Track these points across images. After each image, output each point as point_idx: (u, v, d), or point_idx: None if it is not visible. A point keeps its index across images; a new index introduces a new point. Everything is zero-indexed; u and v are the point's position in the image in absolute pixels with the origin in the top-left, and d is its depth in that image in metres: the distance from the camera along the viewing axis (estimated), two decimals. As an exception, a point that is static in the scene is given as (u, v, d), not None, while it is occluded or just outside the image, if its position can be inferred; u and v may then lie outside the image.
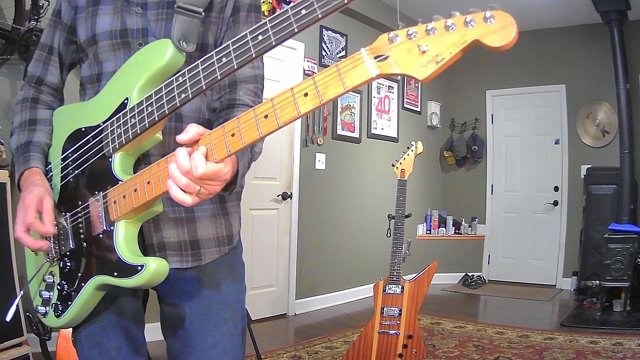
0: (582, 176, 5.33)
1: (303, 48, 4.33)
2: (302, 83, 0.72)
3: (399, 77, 5.45)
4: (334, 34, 4.67)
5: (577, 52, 5.50)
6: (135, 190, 0.88)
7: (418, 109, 5.93)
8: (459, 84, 6.25)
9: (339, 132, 4.72)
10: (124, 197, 0.90)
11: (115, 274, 0.90)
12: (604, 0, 4.68)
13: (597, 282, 4.40)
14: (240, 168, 0.91)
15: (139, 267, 0.87)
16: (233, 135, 0.78)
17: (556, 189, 5.64)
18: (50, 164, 1.06)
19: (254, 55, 0.76)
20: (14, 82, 2.76)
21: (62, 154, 1.04)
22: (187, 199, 0.81)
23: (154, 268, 0.87)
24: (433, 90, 6.16)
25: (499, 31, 0.62)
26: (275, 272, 4.17)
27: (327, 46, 4.60)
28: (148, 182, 0.87)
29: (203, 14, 1.01)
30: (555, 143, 5.66)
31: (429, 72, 0.65)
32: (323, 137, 4.53)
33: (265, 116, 0.75)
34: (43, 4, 2.70)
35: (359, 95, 4.95)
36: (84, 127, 1.01)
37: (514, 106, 5.97)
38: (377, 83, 5.24)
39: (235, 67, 0.78)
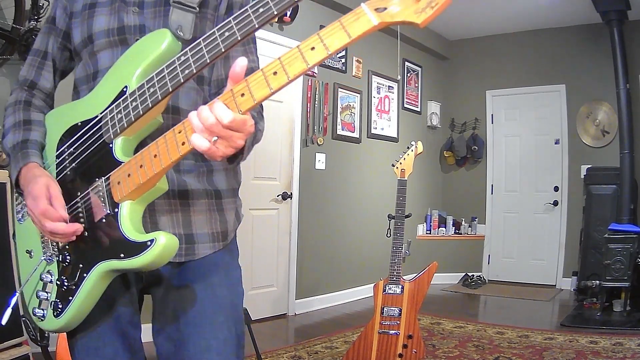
0: (582, 176, 5.33)
1: (303, 48, 4.32)
2: (307, 40, 0.76)
3: (399, 77, 5.47)
4: (334, 34, 4.66)
5: (577, 52, 5.50)
6: (141, 166, 0.88)
7: (418, 109, 5.93)
8: (459, 84, 6.25)
9: (339, 132, 4.72)
10: (129, 175, 0.89)
11: (122, 255, 0.89)
12: (604, 0, 4.68)
13: (597, 282, 4.39)
14: (248, 140, 0.91)
15: (149, 242, 0.85)
16: (243, 95, 0.79)
17: (556, 189, 5.64)
18: (45, 162, 1.05)
19: (256, 26, 0.79)
20: (14, 82, 2.76)
21: (57, 151, 1.03)
22: (215, 150, 0.81)
23: (164, 243, 0.85)
24: (433, 90, 6.16)
25: None
26: (275, 272, 4.17)
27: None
28: (155, 156, 0.86)
29: (197, 9, 1.02)
30: (555, 143, 5.66)
31: (426, 16, 0.70)
32: (323, 137, 4.53)
33: (275, 73, 0.77)
34: (43, 4, 2.70)
35: (359, 95, 4.95)
36: (80, 122, 1.00)
37: (514, 106, 5.96)
38: (377, 83, 5.24)
39: (239, 38, 0.80)
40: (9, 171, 1.07)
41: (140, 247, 0.86)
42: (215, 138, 0.80)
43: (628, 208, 4.65)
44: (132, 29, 1.03)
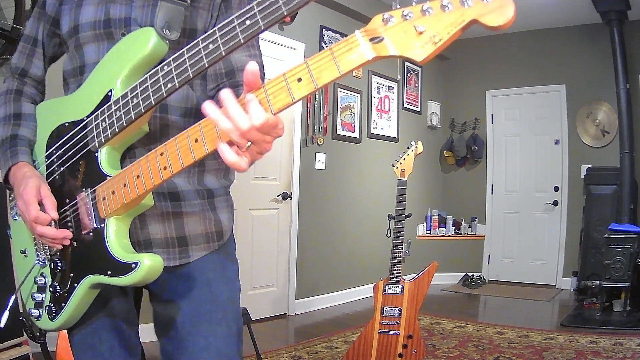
0: (582, 176, 5.34)
1: (303, 48, 4.32)
2: (294, 68, 0.69)
3: (399, 77, 5.47)
4: (334, 34, 4.67)
5: (577, 52, 5.50)
6: (124, 185, 0.86)
7: (418, 109, 5.93)
8: (459, 84, 6.25)
9: (339, 132, 4.72)
10: (113, 192, 0.87)
11: (109, 272, 0.88)
12: (604, 0, 4.68)
13: (597, 282, 4.39)
14: None
15: (133, 265, 0.85)
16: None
17: (556, 189, 5.64)
18: (35, 161, 1.04)
19: (242, 41, 0.73)
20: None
21: (47, 151, 1.02)
22: (243, 163, 0.74)
23: (149, 265, 0.84)
24: (433, 90, 6.16)
25: (497, 10, 0.60)
26: (275, 272, 4.17)
27: (327, 46, 4.59)
28: (137, 176, 0.84)
29: (189, 1, 0.98)
30: (555, 143, 5.66)
31: (427, 53, 0.63)
32: (323, 137, 4.52)
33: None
34: (43, 4, 2.70)
35: (359, 95, 4.94)
36: (67, 122, 0.98)
37: (514, 106, 5.97)
38: (377, 83, 5.24)
39: (223, 53, 0.75)
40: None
41: (125, 268, 0.86)
42: (249, 144, 0.73)
43: (628, 208, 4.65)
44: (118, 22, 1.00)
